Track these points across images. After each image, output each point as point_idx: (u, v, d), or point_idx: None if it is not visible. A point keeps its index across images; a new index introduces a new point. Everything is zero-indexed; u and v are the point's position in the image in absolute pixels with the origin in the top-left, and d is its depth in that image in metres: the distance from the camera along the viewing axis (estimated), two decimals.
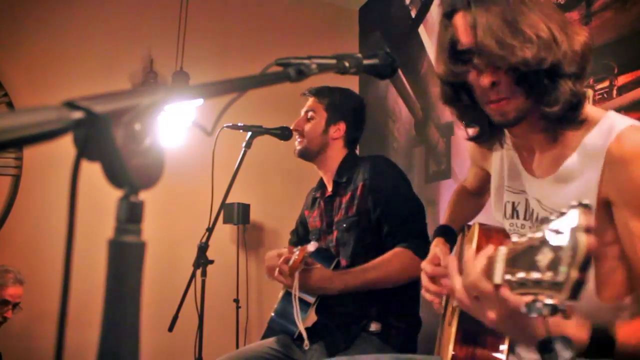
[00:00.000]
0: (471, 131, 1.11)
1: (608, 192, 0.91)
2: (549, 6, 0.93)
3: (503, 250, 0.68)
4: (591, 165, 0.93)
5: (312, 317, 1.82)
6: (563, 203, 0.95)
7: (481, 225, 1.16)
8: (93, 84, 2.92)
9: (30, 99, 2.87)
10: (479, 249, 1.11)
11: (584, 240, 0.53)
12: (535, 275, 0.57)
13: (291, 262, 1.65)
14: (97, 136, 0.42)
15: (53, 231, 2.68)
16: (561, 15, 0.93)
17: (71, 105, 0.42)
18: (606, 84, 1.82)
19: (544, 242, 0.57)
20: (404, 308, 1.79)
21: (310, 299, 1.72)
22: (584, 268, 0.53)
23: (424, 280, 1.26)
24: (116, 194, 0.44)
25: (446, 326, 1.31)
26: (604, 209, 0.92)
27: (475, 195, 1.49)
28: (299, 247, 1.68)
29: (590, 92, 1.86)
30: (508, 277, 0.64)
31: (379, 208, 1.74)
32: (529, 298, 0.59)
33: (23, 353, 2.69)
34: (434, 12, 2.89)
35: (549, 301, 0.56)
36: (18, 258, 2.66)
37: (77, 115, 0.42)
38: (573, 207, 0.56)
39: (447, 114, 2.76)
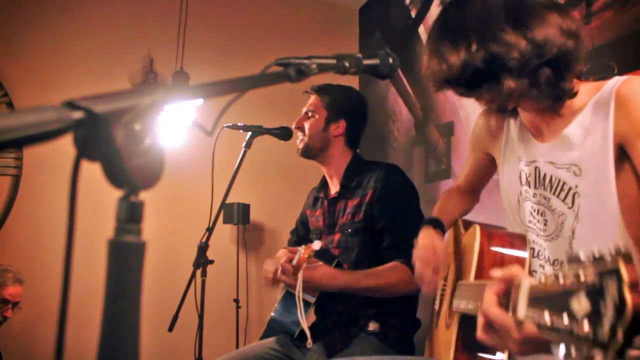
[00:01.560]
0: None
1: (622, 134, 0.93)
2: None
3: (526, 285, 0.63)
4: (601, 115, 0.96)
5: (312, 317, 1.81)
6: (580, 157, 0.99)
7: (482, 226, 1.16)
8: (93, 84, 2.91)
9: (30, 99, 2.87)
10: (481, 251, 1.12)
11: (630, 300, 0.45)
12: (569, 323, 0.50)
13: (296, 260, 1.65)
14: (97, 136, 0.42)
15: (53, 231, 2.68)
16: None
17: (71, 105, 0.42)
18: None
19: (578, 288, 0.50)
20: (402, 308, 1.79)
21: (311, 299, 1.72)
22: (632, 332, 0.45)
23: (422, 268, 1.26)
24: (116, 194, 0.44)
25: (442, 328, 1.31)
26: (620, 159, 0.94)
27: (467, 193, 1.49)
28: (303, 245, 1.68)
29: None
30: (533, 315, 0.58)
31: (384, 219, 1.75)
32: (557, 339, 0.53)
33: (23, 353, 2.69)
34: (434, 12, 2.89)
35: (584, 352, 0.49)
36: (18, 258, 2.66)
37: (77, 115, 0.42)
38: (612, 255, 0.48)
39: (447, 114, 2.76)
